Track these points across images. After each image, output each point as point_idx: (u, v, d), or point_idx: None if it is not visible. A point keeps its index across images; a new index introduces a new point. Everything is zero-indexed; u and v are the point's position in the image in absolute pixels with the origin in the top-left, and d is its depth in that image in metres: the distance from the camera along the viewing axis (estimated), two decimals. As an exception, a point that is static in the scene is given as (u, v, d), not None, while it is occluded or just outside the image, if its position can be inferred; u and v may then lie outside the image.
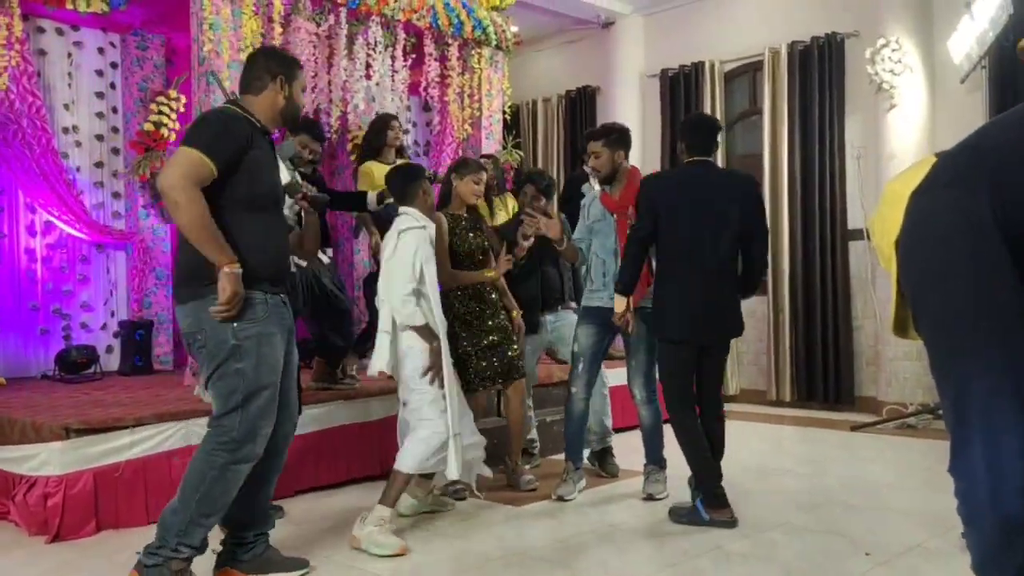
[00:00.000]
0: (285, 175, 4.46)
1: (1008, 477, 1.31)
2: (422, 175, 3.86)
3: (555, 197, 5.05)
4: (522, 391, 4.33)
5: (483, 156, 5.95)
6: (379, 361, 3.66)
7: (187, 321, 2.86)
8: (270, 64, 3.00)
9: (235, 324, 2.77)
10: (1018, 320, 1.33)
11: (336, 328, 4.47)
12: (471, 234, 4.21)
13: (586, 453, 4.56)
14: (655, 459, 4.16)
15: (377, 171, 5.07)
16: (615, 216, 4.09)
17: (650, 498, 4.05)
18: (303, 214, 3.94)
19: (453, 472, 3.61)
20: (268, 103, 2.98)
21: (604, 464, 4.61)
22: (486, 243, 4.27)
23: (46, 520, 3.51)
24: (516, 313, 4.47)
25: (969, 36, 5.57)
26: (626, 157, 4.14)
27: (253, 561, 3.01)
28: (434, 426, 3.57)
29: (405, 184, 3.82)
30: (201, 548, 2.82)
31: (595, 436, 4.64)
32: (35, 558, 3.30)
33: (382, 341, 3.66)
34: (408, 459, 3.53)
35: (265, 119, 2.97)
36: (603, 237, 4.16)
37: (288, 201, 3.80)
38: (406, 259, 3.60)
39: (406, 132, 7.00)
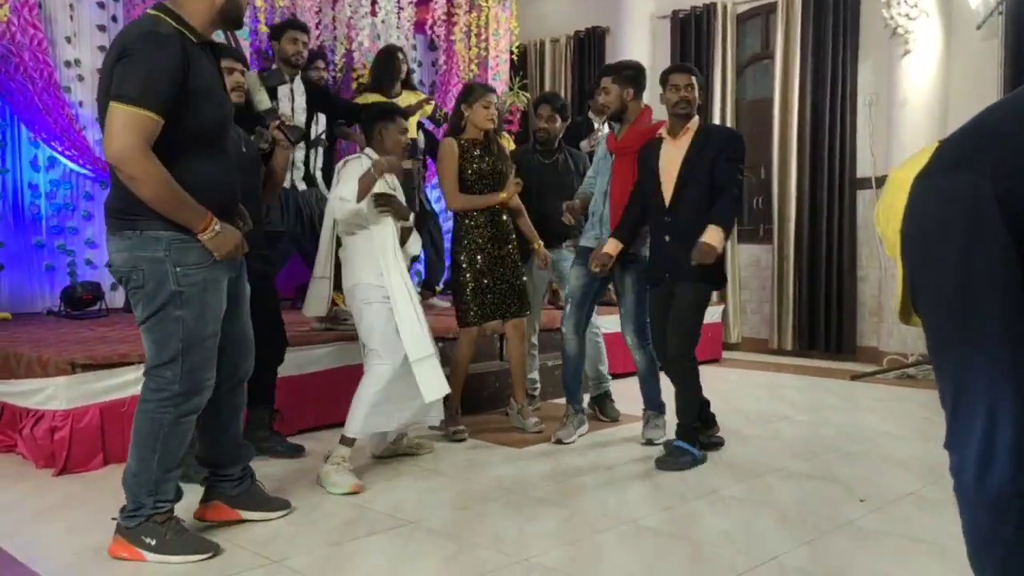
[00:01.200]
0: (266, 103, 4.40)
1: (1001, 455, 1.33)
2: (381, 117, 3.71)
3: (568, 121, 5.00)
4: (523, 329, 4.34)
5: None
6: (314, 305, 3.70)
7: (121, 256, 2.53)
8: None
9: (178, 269, 2.50)
10: (1017, 301, 1.32)
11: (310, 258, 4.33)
12: (482, 158, 4.20)
13: (586, 398, 4.60)
14: (654, 404, 4.19)
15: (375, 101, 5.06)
16: (613, 156, 4.06)
17: (649, 443, 4.08)
18: (276, 145, 3.80)
19: (433, 392, 3.51)
20: (204, 3, 2.52)
21: (603, 409, 4.65)
22: (499, 166, 4.25)
23: (53, 453, 3.57)
24: (538, 245, 4.46)
25: (988, -19, 5.45)
26: (637, 97, 4.08)
27: (240, 496, 2.94)
28: (376, 377, 3.45)
29: (367, 125, 3.75)
30: (178, 496, 2.68)
31: (592, 381, 4.68)
32: (42, 490, 3.35)
33: (318, 287, 3.68)
34: (351, 422, 3.45)
35: (200, 23, 2.53)
36: (600, 177, 4.15)
37: (253, 137, 3.74)
38: (350, 176, 3.53)
39: (412, 72, 6.91)
